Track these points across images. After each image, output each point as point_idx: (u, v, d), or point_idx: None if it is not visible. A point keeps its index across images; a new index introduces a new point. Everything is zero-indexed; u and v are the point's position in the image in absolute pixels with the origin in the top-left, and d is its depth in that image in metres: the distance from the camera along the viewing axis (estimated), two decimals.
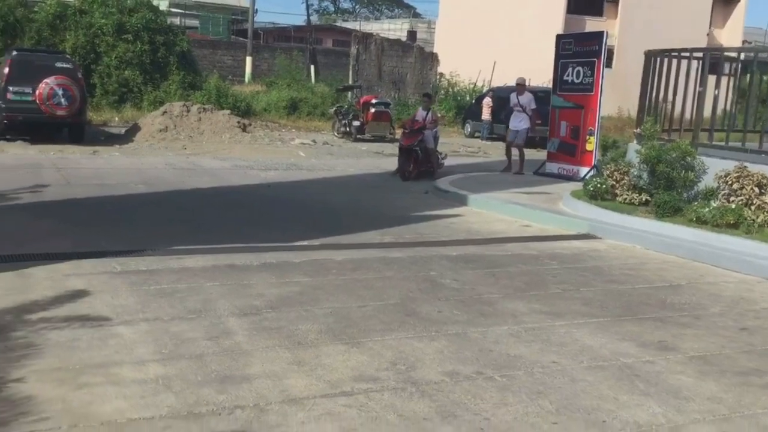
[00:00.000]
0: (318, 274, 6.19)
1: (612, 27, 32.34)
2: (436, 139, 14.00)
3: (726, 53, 8.90)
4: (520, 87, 14.20)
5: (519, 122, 13.99)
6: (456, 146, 21.17)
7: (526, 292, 5.96)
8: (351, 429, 3.37)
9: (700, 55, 9.04)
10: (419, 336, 4.72)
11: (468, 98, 29.71)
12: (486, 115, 23.54)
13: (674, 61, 9.49)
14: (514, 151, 14.22)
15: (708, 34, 34.20)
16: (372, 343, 4.53)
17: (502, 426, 3.47)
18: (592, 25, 30.08)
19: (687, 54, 9.34)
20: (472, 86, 31.39)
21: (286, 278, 5.99)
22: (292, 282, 5.89)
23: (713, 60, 9.19)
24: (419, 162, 13.28)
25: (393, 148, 19.99)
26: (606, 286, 6.28)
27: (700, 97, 9.05)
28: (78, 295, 5.23)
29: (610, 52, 32.14)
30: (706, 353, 4.65)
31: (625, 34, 31.79)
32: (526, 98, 14.05)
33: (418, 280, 6.17)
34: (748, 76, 10.52)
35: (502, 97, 23.73)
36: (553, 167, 13.83)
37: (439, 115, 16.63)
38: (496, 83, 28.34)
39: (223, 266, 6.28)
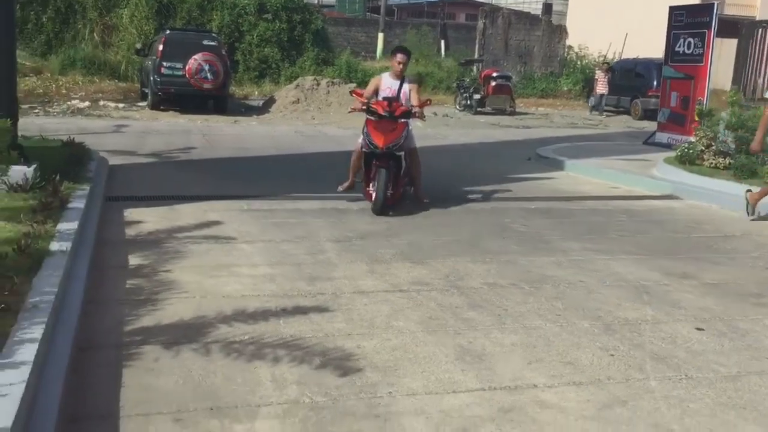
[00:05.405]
0: (406, 217, 7.33)
1: None
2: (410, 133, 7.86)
3: None
4: None
5: None
6: (576, 119, 21.60)
7: (584, 236, 6.82)
8: (399, 309, 4.52)
9: None
10: (475, 261, 5.76)
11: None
12: (601, 88, 23.26)
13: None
14: None
15: None
16: (434, 263, 5.63)
17: (514, 314, 4.50)
18: None
19: None
20: (601, 59, 31.22)
21: (377, 219, 7.18)
22: (382, 221, 7.08)
23: None
24: (400, 176, 7.65)
25: (510, 120, 20.71)
26: (663, 235, 7.01)
27: None
28: (213, 223, 6.68)
29: None
30: (719, 281, 5.39)
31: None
32: None
33: (490, 224, 7.17)
34: None
35: (629, 70, 23.74)
36: (663, 137, 14.18)
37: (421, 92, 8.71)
38: (627, 56, 28.11)
39: (328, 209, 7.56)
